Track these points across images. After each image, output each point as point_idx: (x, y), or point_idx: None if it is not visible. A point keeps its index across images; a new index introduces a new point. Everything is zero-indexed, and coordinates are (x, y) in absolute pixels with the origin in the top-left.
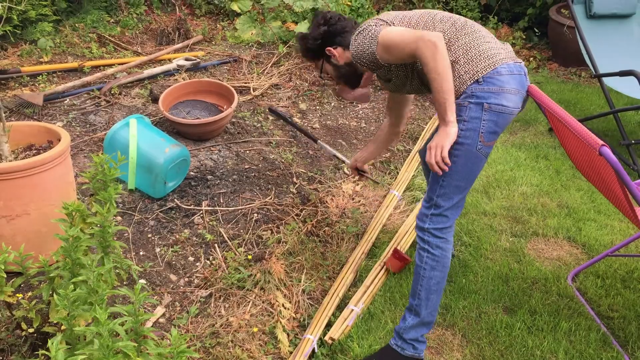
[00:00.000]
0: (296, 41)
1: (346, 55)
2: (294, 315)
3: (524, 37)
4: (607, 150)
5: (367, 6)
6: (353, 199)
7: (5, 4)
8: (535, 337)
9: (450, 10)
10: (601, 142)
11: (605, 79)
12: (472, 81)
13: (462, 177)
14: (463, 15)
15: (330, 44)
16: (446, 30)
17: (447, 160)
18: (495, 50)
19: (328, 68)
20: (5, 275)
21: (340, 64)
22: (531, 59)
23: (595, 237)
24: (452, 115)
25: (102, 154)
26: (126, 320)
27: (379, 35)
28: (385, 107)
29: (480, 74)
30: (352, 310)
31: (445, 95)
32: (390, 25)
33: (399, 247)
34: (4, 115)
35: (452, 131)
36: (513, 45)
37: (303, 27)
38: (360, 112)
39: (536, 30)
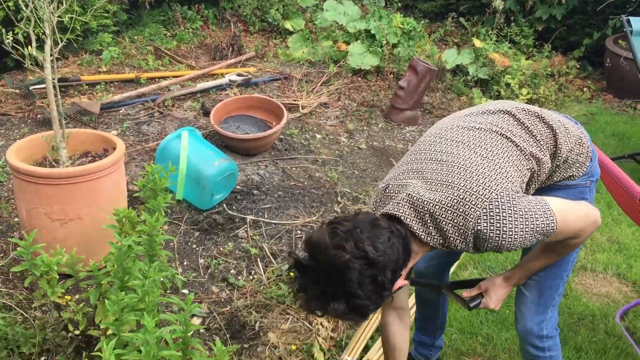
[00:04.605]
0: (337, 317)
1: (409, 265)
2: (332, 335)
3: (578, 66)
4: None
5: (418, 29)
6: None
7: (70, 15)
8: None
9: (504, 37)
10: None
11: None
12: (589, 160)
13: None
14: (518, 43)
15: (396, 280)
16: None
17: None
18: (569, 118)
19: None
20: (57, 277)
21: (402, 284)
22: (585, 89)
23: None
24: (523, 281)
25: (153, 163)
26: (174, 330)
27: (555, 215)
28: (387, 306)
29: (590, 152)
30: None
31: (542, 268)
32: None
33: None
34: (63, 122)
35: (510, 291)
36: (567, 74)
37: (355, 48)
38: (408, 134)
39: (611, 63)
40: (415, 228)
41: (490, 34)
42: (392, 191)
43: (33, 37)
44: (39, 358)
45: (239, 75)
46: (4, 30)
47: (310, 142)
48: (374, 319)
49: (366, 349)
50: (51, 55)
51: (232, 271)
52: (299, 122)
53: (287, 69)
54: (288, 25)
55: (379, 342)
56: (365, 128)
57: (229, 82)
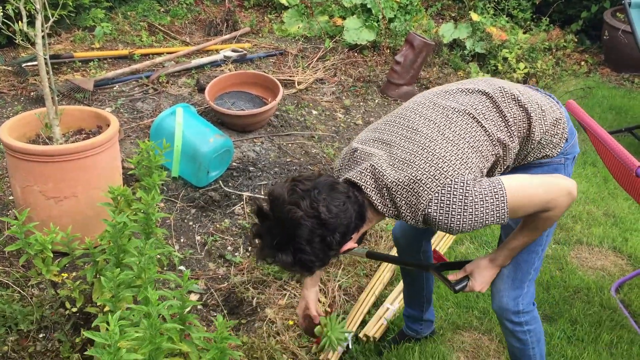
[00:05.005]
0: (284, 268)
1: (362, 230)
2: (329, 310)
3: (576, 40)
4: None
5: (415, 3)
6: None
7: None
8: (575, 348)
9: (502, 10)
10: (638, 163)
11: None
12: (564, 141)
13: (550, 240)
14: (515, 16)
15: (346, 242)
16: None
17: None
18: (550, 98)
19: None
20: (52, 255)
21: (352, 247)
22: (582, 63)
23: None
24: (509, 261)
25: (148, 140)
26: (171, 305)
27: (507, 200)
28: None
29: (567, 133)
30: (388, 308)
31: (524, 246)
32: (468, 164)
33: (437, 249)
34: (56, 98)
35: (496, 273)
36: (564, 48)
37: (351, 23)
38: None
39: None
40: (373, 198)
41: (488, 7)
42: (358, 157)
43: (24, 13)
44: (37, 335)
45: (233, 51)
46: None
47: (307, 118)
48: (372, 295)
49: (363, 323)
50: (42, 31)
51: (229, 248)
52: (294, 98)
53: (283, 45)
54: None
55: (376, 317)
56: (361, 104)
57: (224, 58)
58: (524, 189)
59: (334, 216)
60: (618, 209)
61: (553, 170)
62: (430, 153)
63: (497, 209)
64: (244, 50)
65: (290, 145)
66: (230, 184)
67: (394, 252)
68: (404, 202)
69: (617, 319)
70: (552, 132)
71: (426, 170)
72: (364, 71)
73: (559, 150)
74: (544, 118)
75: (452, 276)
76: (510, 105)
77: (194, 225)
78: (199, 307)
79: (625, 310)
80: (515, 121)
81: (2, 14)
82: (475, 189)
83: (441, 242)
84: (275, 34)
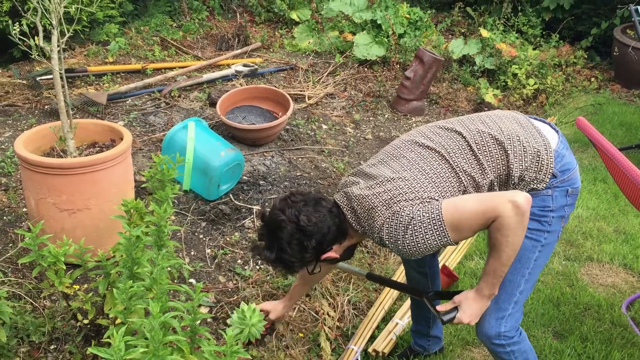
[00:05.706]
0: (268, 263)
1: (345, 244)
2: (338, 324)
3: (586, 56)
4: None
5: (425, 19)
6: None
7: (76, 5)
8: None
9: (512, 27)
10: None
11: None
12: (549, 176)
13: (542, 267)
14: (525, 33)
15: (324, 251)
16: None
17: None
18: (542, 130)
19: (321, 264)
20: (65, 267)
21: (339, 255)
22: (592, 79)
23: None
24: (496, 289)
25: (160, 154)
26: (182, 317)
27: (443, 219)
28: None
29: (551, 168)
30: (397, 323)
31: (506, 269)
32: (433, 198)
33: (447, 264)
34: (70, 112)
35: (487, 305)
36: (574, 64)
37: (361, 39)
38: (414, 124)
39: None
40: (348, 216)
41: (498, 23)
42: (345, 182)
43: (40, 28)
44: (48, 346)
45: (245, 65)
46: (10, 21)
47: (317, 133)
48: (381, 310)
49: (372, 338)
50: (58, 46)
51: (239, 261)
52: (305, 112)
53: (293, 60)
54: (294, 15)
55: (385, 332)
56: (371, 118)
57: (235, 73)
58: (460, 204)
59: (312, 225)
60: (629, 226)
61: (540, 201)
62: (390, 183)
63: (437, 228)
64: (255, 65)
65: (300, 159)
66: (240, 198)
67: (402, 268)
68: (366, 224)
69: (628, 336)
70: (535, 169)
71: (382, 197)
72: (373, 86)
73: (544, 184)
74: (525, 154)
75: (441, 307)
76: (487, 146)
77: (204, 239)
78: (209, 320)
79: (636, 328)
80: (490, 160)
81: (18, 29)
82: (416, 215)
83: (450, 258)
84: (286, 49)
